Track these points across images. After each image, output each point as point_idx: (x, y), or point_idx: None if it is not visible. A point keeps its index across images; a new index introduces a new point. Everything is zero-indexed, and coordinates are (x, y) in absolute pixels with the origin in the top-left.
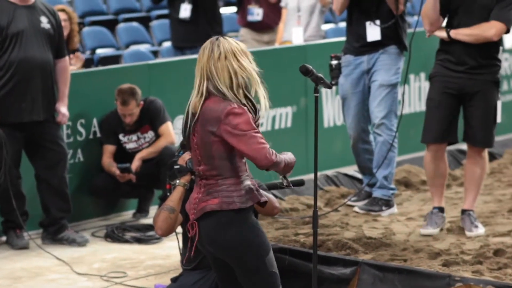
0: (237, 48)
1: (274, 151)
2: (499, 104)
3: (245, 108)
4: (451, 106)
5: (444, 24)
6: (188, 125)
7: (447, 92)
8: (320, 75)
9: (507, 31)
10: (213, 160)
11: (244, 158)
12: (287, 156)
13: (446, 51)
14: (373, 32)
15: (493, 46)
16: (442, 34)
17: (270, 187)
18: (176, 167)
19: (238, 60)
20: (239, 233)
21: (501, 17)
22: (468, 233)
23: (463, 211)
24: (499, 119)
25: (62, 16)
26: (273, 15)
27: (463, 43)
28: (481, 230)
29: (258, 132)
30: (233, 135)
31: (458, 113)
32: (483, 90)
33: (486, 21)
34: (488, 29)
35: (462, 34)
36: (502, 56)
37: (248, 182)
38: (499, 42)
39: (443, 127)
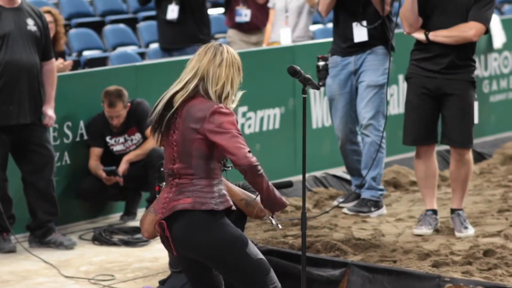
0: (238, 62)
1: (259, 164)
2: (476, 105)
3: (230, 110)
4: (429, 107)
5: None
6: (165, 120)
7: (423, 93)
8: (308, 76)
9: (486, 31)
10: (191, 158)
11: (221, 162)
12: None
13: (421, 51)
14: (360, 33)
15: (469, 47)
16: (421, 36)
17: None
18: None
19: (234, 73)
20: (211, 233)
21: (480, 17)
22: (457, 234)
23: (452, 211)
24: (476, 120)
25: (47, 18)
26: (261, 16)
27: (439, 44)
28: (470, 231)
29: (240, 135)
30: (216, 133)
31: (437, 113)
32: (460, 90)
33: (463, 21)
34: (468, 30)
35: (441, 36)
36: (490, 55)
37: (221, 187)
38: (475, 42)
39: (421, 129)
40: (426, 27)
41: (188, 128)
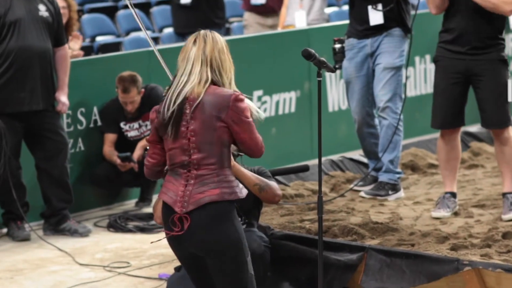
0: (226, 45)
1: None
2: (509, 83)
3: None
4: (457, 91)
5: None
6: (184, 112)
7: (452, 77)
8: (322, 59)
9: None
10: (214, 146)
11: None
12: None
13: (448, 32)
14: (375, 16)
15: (496, 25)
16: None
17: (273, 174)
18: None
19: (229, 56)
20: (235, 228)
21: None
22: (502, 216)
23: (503, 195)
24: (510, 98)
25: (60, 3)
26: None
27: (466, 22)
28: None
29: (253, 121)
30: (239, 122)
31: (465, 97)
32: (491, 70)
33: None
34: (507, 4)
35: None
36: (507, 36)
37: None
38: (505, 20)
39: (449, 114)
40: (452, 7)
41: (211, 116)
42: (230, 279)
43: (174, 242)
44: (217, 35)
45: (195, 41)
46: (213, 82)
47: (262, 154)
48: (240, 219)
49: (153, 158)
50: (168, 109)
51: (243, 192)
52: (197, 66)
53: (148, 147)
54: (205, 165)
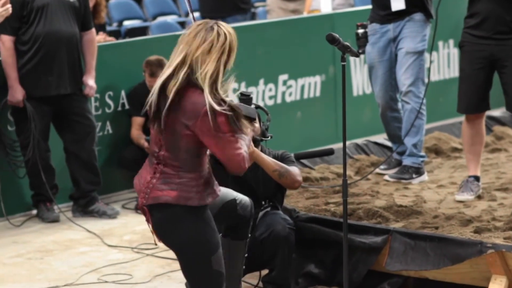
0: (230, 44)
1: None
2: None
3: (225, 106)
4: (482, 77)
5: None
6: (159, 107)
7: (477, 62)
8: (346, 43)
9: None
10: (178, 152)
11: (208, 151)
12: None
13: (472, 17)
14: (397, 2)
15: None
16: None
17: (298, 157)
18: None
19: (225, 58)
20: (190, 229)
21: None
22: None
23: None
24: None
25: None
26: None
27: (490, 6)
28: None
29: (234, 136)
30: (209, 135)
31: (489, 82)
32: None
33: None
34: None
35: None
36: None
37: (208, 176)
38: None
39: (474, 99)
40: None
41: (179, 121)
42: (190, 275)
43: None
44: (213, 33)
45: (189, 33)
46: (192, 85)
47: (239, 171)
48: (262, 203)
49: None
50: (152, 103)
51: (206, 198)
52: (177, 61)
53: None
54: (170, 164)
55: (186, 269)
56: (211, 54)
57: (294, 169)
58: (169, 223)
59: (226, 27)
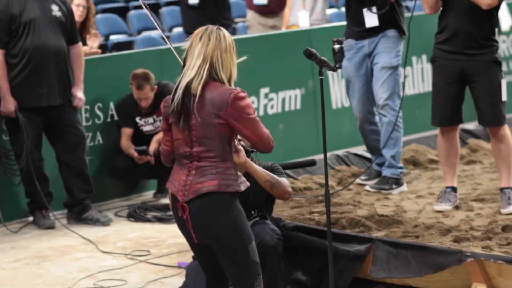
0: (235, 45)
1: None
2: (503, 83)
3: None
4: (454, 91)
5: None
6: (186, 106)
7: (448, 77)
8: (323, 58)
9: (498, 6)
10: (213, 141)
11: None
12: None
13: (443, 33)
14: (371, 19)
15: (488, 25)
16: None
17: (282, 168)
18: None
19: (235, 57)
20: (232, 217)
21: None
22: (501, 210)
23: (500, 189)
24: (504, 97)
25: (82, 2)
26: (277, 0)
27: (459, 22)
28: None
29: (257, 117)
30: (240, 119)
31: (462, 95)
32: (485, 70)
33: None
34: None
35: None
36: (499, 38)
37: (236, 166)
38: (496, 22)
39: (447, 112)
40: (446, 8)
41: (210, 113)
42: (231, 264)
43: (181, 227)
44: (223, 33)
45: (201, 37)
46: (214, 79)
47: (271, 148)
48: (251, 213)
49: (166, 146)
50: (173, 101)
51: (241, 186)
52: (198, 62)
53: None
54: (205, 157)
55: (224, 258)
56: (227, 52)
57: (284, 180)
58: (211, 211)
59: (225, 31)
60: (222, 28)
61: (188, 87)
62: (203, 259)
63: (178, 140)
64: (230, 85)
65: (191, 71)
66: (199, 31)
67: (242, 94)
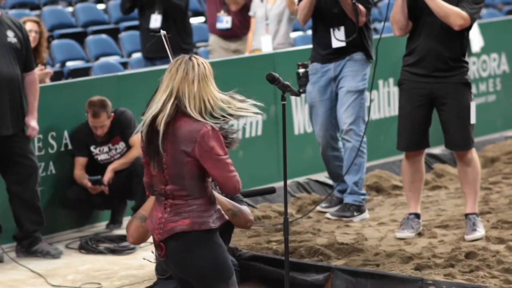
0: (209, 72)
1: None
2: (472, 105)
3: (217, 130)
4: (421, 114)
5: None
6: (154, 144)
7: (416, 100)
8: (286, 83)
9: (469, 27)
10: (183, 180)
11: (210, 177)
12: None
13: (412, 55)
14: (337, 40)
15: (459, 47)
16: None
17: (244, 195)
18: None
19: (209, 86)
20: (208, 254)
21: (471, 14)
22: (465, 237)
23: (465, 215)
24: (473, 120)
25: (34, 27)
26: (240, 24)
27: (429, 44)
28: (478, 233)
29: (229, 158)
30: (208, 158)
31: (429, 119)
32: (454, 92)
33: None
34: (459, 18)
35: (436, 1)
36: (469, 59)
37: (213, 201)
38: (467, 43)
39: (414, 136)
40: (416, 30)
41: (179, 151)
42: None
43: (163, 263)
44: (193, 63)
45: (171, 69)
46: (183, 114)
47: (235, 193)
48: None
49: (147, 178)
50: (146, 142)
51: (217, 221)
52: (163, 96)
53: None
54: (179, 196)
55: None
56: (195, 84)
57: (246, 209)
58: (186, 251)
59: (201, 59)
60: (195, 57)
61: (152, 123)
62: None
63: (154, 177)
64: (204, 118)
65: (155, 106)
66: (171, 62)
67: (211, 133)
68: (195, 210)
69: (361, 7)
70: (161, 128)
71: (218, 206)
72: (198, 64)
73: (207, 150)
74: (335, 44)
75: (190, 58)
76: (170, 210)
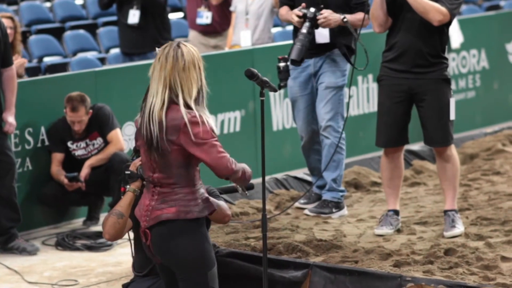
0: (198, 58)
1: (233, 160)
2: (452, 101)
3: (205, 116)
4: (401, 110)
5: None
6: (151, 133)
7: (396, 96)
8: (265, 78)
9: (449, 23)
10: (171, 168)
11: (198, 166)
12: (244, 165)
13: (391, 51)
14: (321, 35)
15: (438, 43)
16: None
17: (222, 192)
18: (127, 172)
19: (199, 72)
20: (191, 243)
21: (451, 10)
22: (444, 233)
23: (444, 212)
24: (452, 116)
25: (8, 23)
26: (221, 20)
27: (409, 40)
28: (457, 230)
29: (217, 141)
30: (193, 144)
31: (408, 115)
32: (434, 89)
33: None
34: (438, 13)
35: None
36: (448, 55)
37: (203, 191)
38: (447, 39)
39: (393, 132)
40: (395, 26)
41: (165, 139)
42: None
43: (147, 251)
44: (181, 50)
45: (159, 58)
46: (174, 103)
47: (229, 171)
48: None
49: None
50: (144, 130)
51: (204, 211)
52: (160, 87)
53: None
54: (166, 184)
55: (183, 283)
56: (186, 71)
57: (223, 204)
58: (170, 238)
59: (189, 45)
60: (183, 44)
61: (152, 113)
62: (167, 280)
63: (143, 164)
64: (197, 104)
65: (155, 98)
66: (159, 51)
67: (196, 119)
68: (182, 198)
69: (360, 16)
70: (163, 118)
71: (206, 195)
72: (187, 51)
73: (191, 136)
74: (319, 40)
75: (178, 45)
76: (157, 198)
